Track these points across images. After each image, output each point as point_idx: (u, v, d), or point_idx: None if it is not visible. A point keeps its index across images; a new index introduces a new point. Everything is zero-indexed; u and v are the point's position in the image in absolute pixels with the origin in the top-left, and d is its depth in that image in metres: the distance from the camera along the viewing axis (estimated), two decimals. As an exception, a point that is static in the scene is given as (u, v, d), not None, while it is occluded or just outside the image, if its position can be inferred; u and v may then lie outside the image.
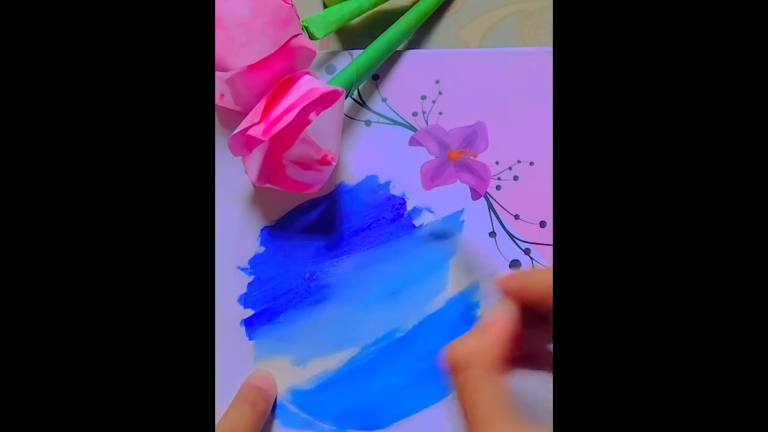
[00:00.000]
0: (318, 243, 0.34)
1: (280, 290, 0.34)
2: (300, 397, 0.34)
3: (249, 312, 0.34)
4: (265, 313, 0.34)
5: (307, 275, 0.34)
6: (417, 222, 0.35)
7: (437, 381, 0.33)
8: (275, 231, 0.35)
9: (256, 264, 0.34)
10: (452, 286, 0.34)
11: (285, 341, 0.34)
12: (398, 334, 0.34)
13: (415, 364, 0.34)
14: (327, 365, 0.34)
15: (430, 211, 0.34)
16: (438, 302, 0.34)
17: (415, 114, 0.35)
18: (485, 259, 0.34)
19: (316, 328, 0.34)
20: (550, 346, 0.25)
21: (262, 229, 0.34)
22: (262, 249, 0.34)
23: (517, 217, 0.34)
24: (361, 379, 0.34)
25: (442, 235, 0.33)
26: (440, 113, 0.35)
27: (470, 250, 0.33)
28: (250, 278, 0.34)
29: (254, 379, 0.33)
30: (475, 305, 0.34)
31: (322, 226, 0.35)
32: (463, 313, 0.34)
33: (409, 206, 0.35)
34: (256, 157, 0.32)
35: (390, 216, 0.35)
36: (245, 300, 0.34)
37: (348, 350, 0.34)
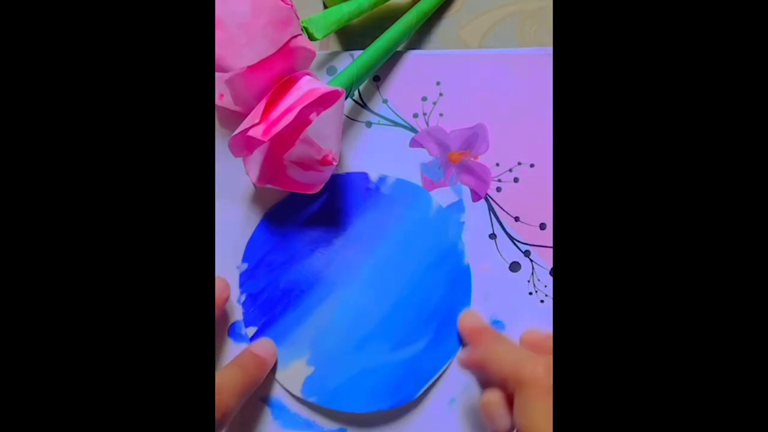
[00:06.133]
0: (298, 242, 0.34)
1: (274, 299, 0.34)
2: (321, 393, 0.33)
3: (252, 330, 0.34)
4: (267, 325, 0.34)
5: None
6: (384, 189, 0.35)
7: (448, 336, 0.33)
8: (252, 245, 0.34)
9: (243, 282, 0.34)
10: (437, 237, 0.34)
11: (294, 345, 0.34)
12: (400, 300, 0.34)
13: (425, 325, 0.33)
14: (340, 354, 0.33)
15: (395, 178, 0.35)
16: (427, 256, 0.34)
17: (415, 115, 0.35)
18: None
19: (320, 321, 0.34)
20: None
21: (245, 248, 0.34)
22: (245, 266, 0.34)
23: (517, 219, 0.34)
24: (378, 357, 0.33)
25: None
26: (441, 115, 0.35)
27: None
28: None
29: (253, 346, 0.33)
30: (461, 253, 0.34)
31: (297, 225, 0.35)
32: (453, 264, 0.34)
33: (374, 177, 0.35)
34: (257, 157, 0.31)
35: (359, 193, 0.35)
36: (246, 320, 0.34)
37: (356, 332, 0.34)
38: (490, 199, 0.34)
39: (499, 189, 0.34)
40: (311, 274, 0.34)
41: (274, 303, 0.34)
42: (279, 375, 0.33)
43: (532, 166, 0.34)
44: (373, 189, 0.35)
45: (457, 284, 0.34)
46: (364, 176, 0.35)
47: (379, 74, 0.36)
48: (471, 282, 0.34)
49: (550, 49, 0.35)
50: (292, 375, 0.33)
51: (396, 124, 0.35)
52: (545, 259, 0.34)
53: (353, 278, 0.34)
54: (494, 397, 0.28)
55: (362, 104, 0.36)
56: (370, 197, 0.35)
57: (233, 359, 0.32)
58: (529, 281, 0.34)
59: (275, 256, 0.34)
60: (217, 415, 0.28)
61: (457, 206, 0.35)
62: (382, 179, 0.35)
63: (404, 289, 0.34)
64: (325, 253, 0.34)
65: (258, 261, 0.34)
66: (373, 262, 0.34)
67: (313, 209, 0.34)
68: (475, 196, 0.35)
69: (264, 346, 0.33)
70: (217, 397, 0.28)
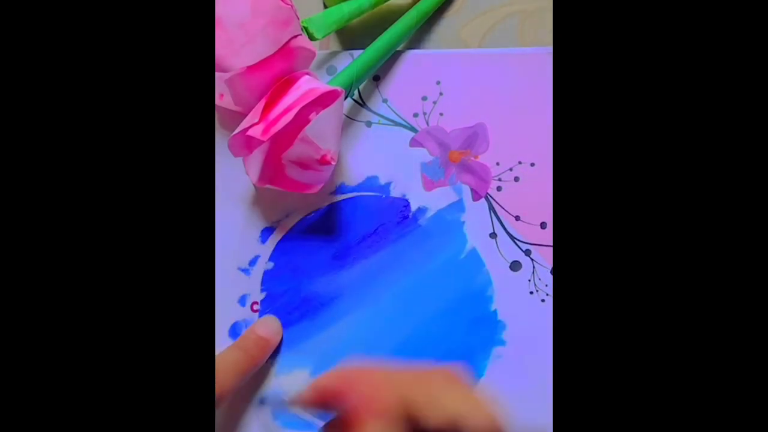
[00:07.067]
0: (326, 254, 0.34)
1: (293, 304, 0.34)
2: None
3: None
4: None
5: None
6: (422, 221, 0.34)
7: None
8: (283, 245, 0.34)
9: (267, 281, 0.34)
10: (465, 280, 0.34)
11: (301, 354, 0.34)
12: (416, 335, 0.33)
13: (436, 364, 0.33)
14: None
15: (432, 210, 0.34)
16: (451, 297, 0.34)
17: (415, 115, 0.35)
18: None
19: (332, 338, 0.34)
20: None
21: (274, 247, 0.34)
22: (271, 265, 0.34)
23: (517, 218, 0.34)
24: None
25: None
26: (441, 114, 0.35)
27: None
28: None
29: (258, 325, 0.32)
30: (489, 299, 0.34)
31: (329, 236, 0.34)
32: (477, 307, 0.34)
33: (413, 207, 0.35)
34: (257, 157, 0.31)
35: (395, 219, 0.35)
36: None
37: (368, 357, 0.33)
38: (490, 199, 0.34)
39: (499, 188, 0.34)
40: (333, 289, 0.34)
41: (291, 308, 0.34)
42: (280, 378, 0.33)
43: (532, 165, 0.34)
44: (410, 218, 0.34)
45: (480, 328, 0.33)
46: (405, 203, 0.35)
47: (379, 74, 0.36)
48: (497, 326, 0.33)
49: (550, 49, 0.35)
50: (293, 382, 0.33)
51: (396, 123, 0.35)
52: (546, 258, 0.34)
53: (373, 304, 0.34)
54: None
55: (362, 104, 0.36)
56: (407, 226, 0.34)
57: (237, 340, 0.32)
58: (529, 280, 0.34)
59: (301, 262, 0.34)
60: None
61: (458, 206, 0.35)
62: (422, 210, 0.34)
63: (422, 324, 0.34)
64: (351, 271, 0.34)
65: (284, 263, 0.34)
66: (396, 291, 0.34)
67: (346, 224, 0.34)
68: (476, 196, 0.35)
69: (268, 324, 0.33)
70: (216, 376, 0.28)
